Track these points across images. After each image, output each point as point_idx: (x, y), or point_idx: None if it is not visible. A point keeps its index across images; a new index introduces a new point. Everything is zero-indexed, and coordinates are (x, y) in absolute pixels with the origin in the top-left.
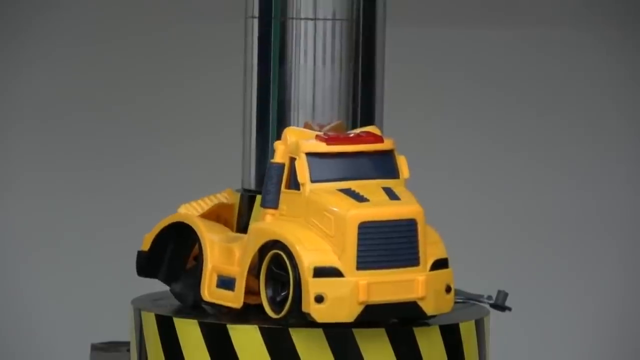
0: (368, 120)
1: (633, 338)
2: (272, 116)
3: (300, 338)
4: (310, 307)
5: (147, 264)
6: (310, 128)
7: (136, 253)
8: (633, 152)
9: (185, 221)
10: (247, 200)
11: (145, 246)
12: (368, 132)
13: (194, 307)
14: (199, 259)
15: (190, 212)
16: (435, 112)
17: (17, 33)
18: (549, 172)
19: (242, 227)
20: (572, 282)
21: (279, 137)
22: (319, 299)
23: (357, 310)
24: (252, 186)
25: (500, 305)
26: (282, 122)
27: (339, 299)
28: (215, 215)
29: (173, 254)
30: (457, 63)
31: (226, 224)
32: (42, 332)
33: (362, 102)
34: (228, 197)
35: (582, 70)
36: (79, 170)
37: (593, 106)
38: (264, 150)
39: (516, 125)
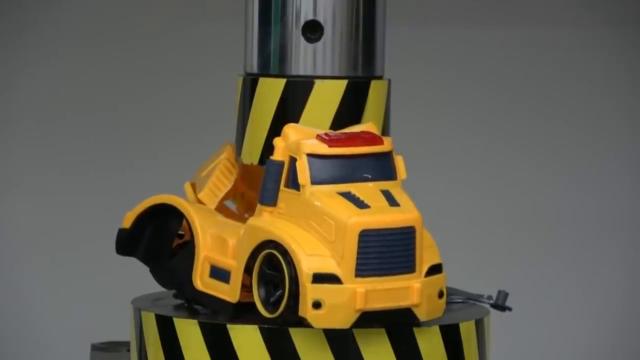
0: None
1: (633, 338)
2: None
3: (300, 338)
4: (308, 313)
5: (126, 242)
6: None
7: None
8: (633, 152)
9: (173, 204)
10: (250, 84)
11: (126, 224)
12: (367, 132)
13: (183, 299)
14: (190, 244)
15: (210, 197)
16: (435, 112)
17: (18, 33)
18: (549, 172)
19: (244, 112)
20: (572, 283)
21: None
22: (317, 305)
23: (353, 316)
24: (254, 69)
25: (500, 305)
26: (285, 2)
27: (337, 305)
28: None
29: (153, 235)
30: (457, 63)
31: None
32: (42, 332)
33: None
34: (230, 157)
35: (582, 70)
36: (80, 170)
37: (593, 106)
38: (266, 33)
39: (516, 125)
